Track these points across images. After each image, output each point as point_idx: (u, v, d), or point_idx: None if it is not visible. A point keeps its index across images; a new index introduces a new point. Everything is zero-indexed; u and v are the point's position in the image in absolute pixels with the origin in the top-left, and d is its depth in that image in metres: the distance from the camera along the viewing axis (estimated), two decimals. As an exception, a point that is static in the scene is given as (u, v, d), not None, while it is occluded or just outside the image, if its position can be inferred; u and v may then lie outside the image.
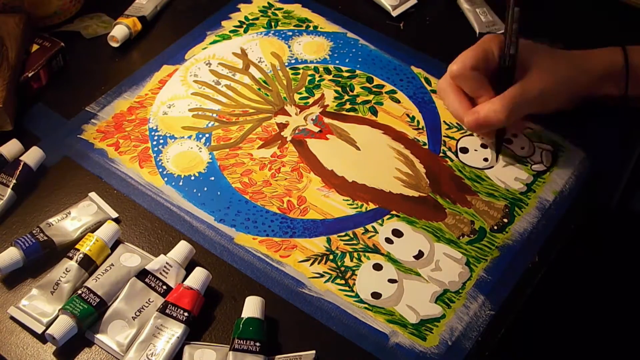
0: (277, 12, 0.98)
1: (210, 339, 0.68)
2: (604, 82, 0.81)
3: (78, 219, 0.75)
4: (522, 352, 0.79)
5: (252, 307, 0.68)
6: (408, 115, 0.87)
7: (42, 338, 0.67)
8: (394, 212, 0.78)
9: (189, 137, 0.84)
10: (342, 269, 0.74)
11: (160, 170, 0.81)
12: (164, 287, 0.70)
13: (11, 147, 0.80)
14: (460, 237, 0.76)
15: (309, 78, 0.90)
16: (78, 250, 0.71)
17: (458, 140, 0.84)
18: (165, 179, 0.80)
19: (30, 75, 0.86)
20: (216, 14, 0.98)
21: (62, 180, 0.80)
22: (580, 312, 0.83)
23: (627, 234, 0.85)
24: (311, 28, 0.96)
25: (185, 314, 0.67)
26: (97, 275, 0.70)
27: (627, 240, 0.85)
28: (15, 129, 0.82)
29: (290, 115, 0.86)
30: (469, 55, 0.80)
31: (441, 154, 0.83)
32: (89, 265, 0.70)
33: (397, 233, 0.76)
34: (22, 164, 0.78)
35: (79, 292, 0.68)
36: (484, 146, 0.84)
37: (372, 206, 0.78)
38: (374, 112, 0.87)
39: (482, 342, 0.69)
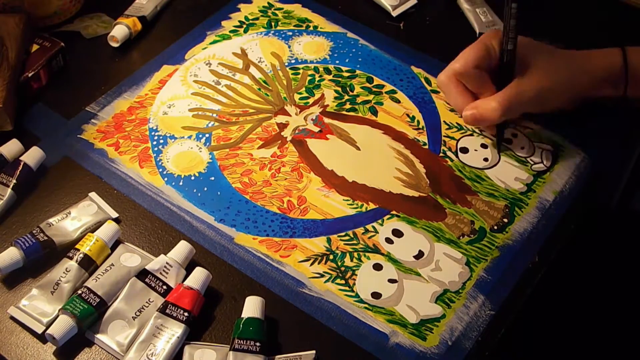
0: (277, 12, 0.98)
1: (210, 339, 0.68)
2: (604, 83, 0.81)
3: (78, 219, 0.75)
4: (522, 352, 0.78)
5: (252, 307, 0.68)
6: (408, 115, 0.87)
7: (42, 338, 0.67)
8: (394, 212, 0.78)
9: (189, 137, 0.84)
10: (342, 269, 0.74)
11: (160, 170, 0.81)
12: (164, 287, 0.70)
13: (11, 147, 0.80)
14: (460, 237, 0.76)
15: (309, 78, 0.90)
16: (78, 250, 0.71)
17: (458, 140, 0.84)
18: (165, 179, 0.80)
19: (30, 75, 0.86)
20: (216, 14, 0.98)
21: (62, 180, 0.80)
22: (580, 312, 0.83)
23: (627, 234, 0.85)
24: (311, 28, 0.96)
25: (185, 314, 0.67)
26: (97, 275, 0.70)
27: (627, 240, 0.85)
28: (15, 129, 0.82)
29: (290, 115, 0.86)
30: (471, 54, 0.81)
31: (441, 154, 0.83)
32: (89, 265, 0.70)
33: (397, 233, 0.76)
34: (22, 164, 0.78)
35: (79, 292, 0.68)
36: (484, 146, 0.84)
37: (372, 206, 0.78)
38: (374, 112, 0.87)
39: (482, 342, 0.69)
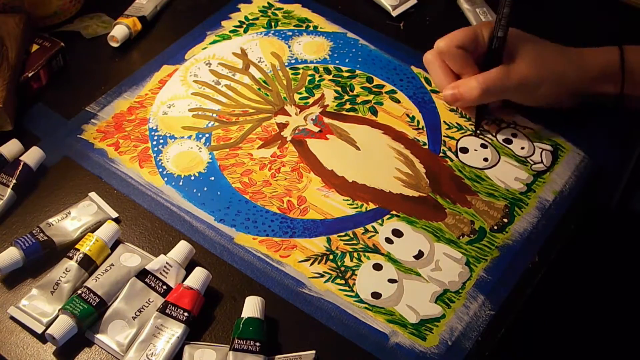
0: (277, 12, 0.98)
1: (210, 339, 0.68)
2: (599, 81, 0.81)
3: (78, 219, 0.75)
4: (522, 352, 0.79)
5: (252, 307, 0.68)
6: (408, 115, 0.87)
7: (42, 338, 0.67)
8: (394, 212, 0.78)
9: (189, 137, 0.84)
10: (342, 269, 0.74)
11: (160, 170, 0.81)
12: (164, 287, 0.70)
13: (11, 147, 0.80)
14: (460, 237, 0.76)
15: (309, 78, 0.90)
16: (78, 250, 0.71)
17: (458, 140, 0.84)
18: (165, 179, 0.80)
19: (30, 75, 0.86)
20: (216, 14, 0.98)
21: (62, 180, 0.80)
22: (580, 312, 0.83)
23: (627, 234, 0.85)
24: (311, 28, 0.96)
25: (185, 314, 0.67)
26: (97, 275, 0.70)
27: (627, 240, 0.85)
28: (15, 129, 0.82)
29: (290, 115, 0.86)
30: (457, 34, 0.82)
31: (441, 154, 0.83)
32: (89, 265, 0.70)
33: (397, 233, 0.76)
34: (22, 164, 0.78)
35: (79, 292, 0.68)
36: (484, 146, 0.84)
37: (372, 206, 0.78)
38: (374, 112, 0.87)
39: (482, 342, 0.69)
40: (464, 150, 0.84)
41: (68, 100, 0.87)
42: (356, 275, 0.73)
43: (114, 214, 0.76)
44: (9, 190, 0.76)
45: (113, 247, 0.73)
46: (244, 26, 0.96)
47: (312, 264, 0.74)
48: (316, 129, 0.85)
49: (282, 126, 0.85)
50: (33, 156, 0.79)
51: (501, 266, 0.74)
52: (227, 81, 0.90)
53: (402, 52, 0.93)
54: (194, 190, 0.79)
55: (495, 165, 0.82)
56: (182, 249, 0.72)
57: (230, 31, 0.96)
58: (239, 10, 0.99)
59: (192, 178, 0.80)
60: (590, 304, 0.84)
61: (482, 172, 0.82)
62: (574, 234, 0.77)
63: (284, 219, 0.77)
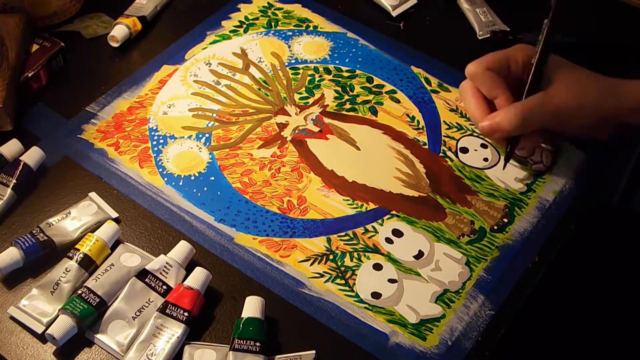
0: (277, 12, 0.98)
1: (210, 339, 0.68)
2: (633, 111, 0.78)
3: (78, 219, 0.75)
4: (522, 352, 0.79)
5: (252, 307, 0.68)
6: (408, 115, 0.87)
7: (42, 338, 0.67)
8: (394, 212, 0.78)
9: (189, 137, 0.84)
10: (342, 269, 0.74)
11: (160, 170, 0.81)
12: (164, 287, 0.70)
13: (11, 147, 0.80)
14: (460, 237, 0.76)
15: (309, 78, 0.90)
16: (78, 250, 0.71)
17: (458, 140, 0.84)
18: (165, 179, 0.80)
19: (30, 75, 0.86)
20: (216, 14, 0.98)
21: (62, 180, 0.80)
22: (580, 312, 0.83)
23: (627, 234, 0.85)
24: (311, 28, 0.96)
25: (185, 314, 0.67)
26: (97, 275, 0.70)
27: (627, 240, 0.85)
28: (15, 129, 0.82)
29: (290, 115, 0.86)
30: (488, 56, 0.79)
31: (441, 154, 0.83)
32: (89, 265, 0.70)
33: (397, 233, 0.76)
34: (22, 164, 0.78)
35: (79, 292, 0.68)
36: (484, 146, 0.84)
37: (372, 206, 0.78)
38: (374, 112, 0.87)
39: (482, 342, 0.69)
40: (464, 150, 0.84)
41: (68, 100, 0.87)
42: (356, 275, 0.73)
43: (114, 214, 0.76)
44: (9, 190, 0.76)
45: (113, 247, 0.73)
46: (244, 26, 0.96)
47: (312, 264, 0.74)
48: (316, 129, 0.85)
49: (282, 126, 0.85)
50: (33, 156, 0.79)
51: (501, 266, 0.74)
52: (227, 81, 0.90)
53: (402, 52, 0.93)
54: (194, 190, 0.79)
55: (495, 165, 0.82)
56: (182, 249, 0.72)
57: (230, 31, 0.96)
58: (239, 10, 0.99)
59: (192, 178, 0.80)
60: (590, 304, 0.84)
61: (482, 172, 0.82)
62: (574, 234, 0.77)
63: (284, 219, 0.77)
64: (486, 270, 0.74)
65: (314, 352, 0.67)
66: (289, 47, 0.94)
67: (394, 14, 0.98)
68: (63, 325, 0.66)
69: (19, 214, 0.77)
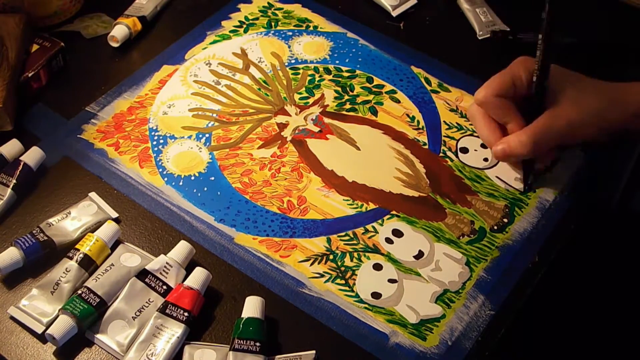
0: (277, 12, 0.98)
1: (210, 339, 0.68)
2: (638, 118, 0.77)
3: (78, 219, 0.75)
4: (522, 352, 0.78)
5: (252, 307, 0.68)
6: (408, 115, 0.87)
7: (42, 338, 0.67)
8: (394, 212, 0.78)
9: (189, 137, 0.84)
10: (342, 269, 0.74)
11: (160, 170, 0.81)
12: (164, 287, 0.70)
13: (11, 147, 0.80)
14: (460, 237, 0.76)
15: (309, 78, 0.90)
16: (78, 250, 0.71)
17: (458, 140, 0.84)
18: (165, 179, 0.80)
19: (30, 75, 0.86)
20: (216, 14, 0.98)
21: (62, 180, 0.80)
22: (580, 312, 0.83)
23: (627, 234, 0.85)
24: (311, 28, 0.96)
25: (185, 314, 0.67)
26: (97, 275, 0.70)
27: (627, 240, 0.85)
28: (15, 129, 0.82)
29: (290, 115, 0.86)
30: (495, 82, 0.78)
31: (441, 154, 0.83)
32: (89, 265, 0.70)
33: (397, 233, 0.76)
34: (22, 164, 0.78)
35: (79, 292, 0.68)
36: (484, 146, 0.84)
37: (372, 206, 0.78)
38: (374, 112, 0.87)
39: (482, 342, 0.69)
40: (464, 150, 0.84)
41: (68, 100, 0.87)
42: (356, 275, 0.73)
43: (114, 214, 0.76)
44: (9, 190, 0.76)
45: (113, 247, 0.73)
46: (244, 26, 0.96)
47: (312, 264, 0.74)
48: (316, 129, 0.85)
49: (282, 126, 0.85)
50: (33, 156, 0.79)
51: (501, 266, 0.74)
52: (227, 81, 0.90)
53: (402, 52, 0.93)
54: (194, 190, 0.79)
55: (495, 165, 0.82)
56: (182, 249, 0.72)
57: (230, 31, 0.96)
58: (239, 10, 0.99)
59: (192, 178, 0.80)
60: (590, 304, 0.84)
61: (482, 172, 0.82)
62: (574, 234, 0.77)
63: (284, 219, 0.77)
64: (486, 270, 0.74)
65: (314, 352, 0.67)
66: (289, 47, 0.94)
67: (394, 14, 0.98)
68: (63, 325, 0.66)
69: (19, 214, 0.77)
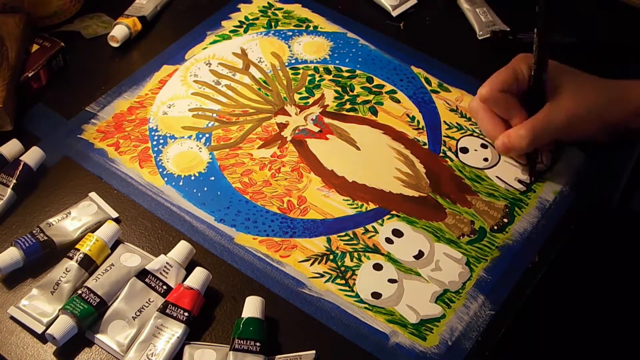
0: (277, 12, 0.98)
1: (210, 339, 0.68)
2: (638, 115, 0.77)
3: (78, 219, 0.75)
4: (522, 352, 0.78)
5: (252, 307, 0.68)
6: (408, 115, 0.87)
7: (42, 338, 0.67)
8: (394, 212, 0.78)
9: (189, 137, 0.84)
10: (342, 269, 0.74)
11: (160, 170, 0.81)
12: (164, 287, 0.70)
13: (11, 147, 0.80)
14: (460, 237, 0.76)
15: (309, 78, 0.90)
16: (78, 250, 0.71)
17: (458, 140, 0.84)
18: (165, 179, 0.80)
19: (30, 75, 0.86)
20: (216, 14, 0.98)
21: (62, 180, 0.80)
22: (580, 312, 0.83)
23: (627, 234, 0.85)
24: (311, 28, 0.96)
25: (186, 314, 0.67)
26: (97, 275, 0.70)
27: (627, 240, 0.85)
28: (15, 129, 0.82)
29: (290, 115, 0.86)
30: (498, 78, 0.79)
31: (441, 154, 0.83)
32: (89, 265, 0.70)
33: (397, 233, 0.76)
34: (22, 164, 0.78)
35: (79, 292, 0.68)
36: (484, 146, 0.84)
37: (372, 206, 0.78)
38: (374, 112, 0.87)
39: (482, 342, 0.69)
40: (464, 150, 0.84)
41: (68, 100, 0.87)
42: (356, 275, 0.73)
43: (114, 214, 0.76)
44: (9, 190, 0.76)
45: (113, 247, 0.73)
46: (244, 26, 0.96)
47: (312, 264, 0.74)
48: (316, 129, 0.85)
49: (282, 126, 0.85)
50: (33, 156, 0.79)
51: (501, 266, 0.74)
52: (227, 81, 0.90)
53: (402, 52, 0.93)
54: (194, 190, 0.79)
55: (495, 165, 0.82)
56: (182, 249, 0.72)
57: (230, 31, 0.96)
58: (239, 10, 0.99)
59: (192, 178, 0.80)
60: (590, 304, 0.84)
61: (482, 172, 0.82)
62: (574, 234, 0.77)
63: (284, 219, 0.77)
64: (486, 270, 0.74)
65: (314, 352, 0.67)
66: (289, 47, 0.94)
67: (394, 14, 0.98)
68: (63, 325, 0.66)
69: (19, 214, 0.77)
